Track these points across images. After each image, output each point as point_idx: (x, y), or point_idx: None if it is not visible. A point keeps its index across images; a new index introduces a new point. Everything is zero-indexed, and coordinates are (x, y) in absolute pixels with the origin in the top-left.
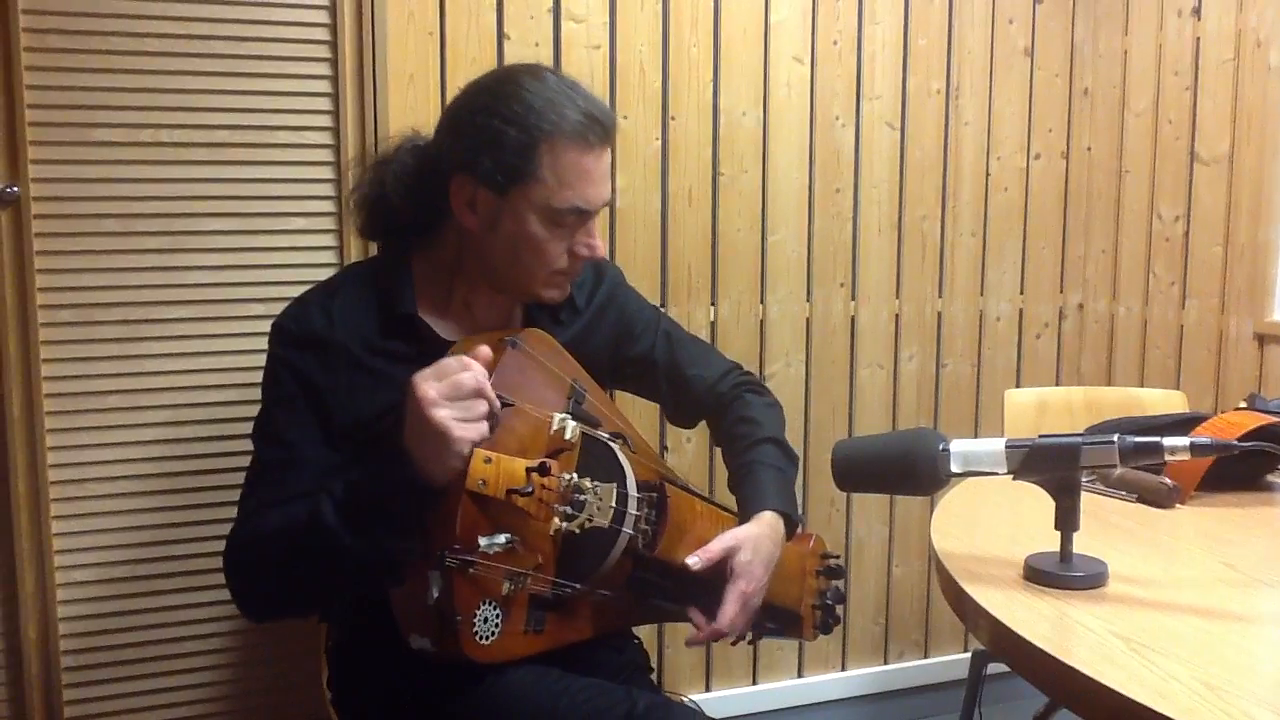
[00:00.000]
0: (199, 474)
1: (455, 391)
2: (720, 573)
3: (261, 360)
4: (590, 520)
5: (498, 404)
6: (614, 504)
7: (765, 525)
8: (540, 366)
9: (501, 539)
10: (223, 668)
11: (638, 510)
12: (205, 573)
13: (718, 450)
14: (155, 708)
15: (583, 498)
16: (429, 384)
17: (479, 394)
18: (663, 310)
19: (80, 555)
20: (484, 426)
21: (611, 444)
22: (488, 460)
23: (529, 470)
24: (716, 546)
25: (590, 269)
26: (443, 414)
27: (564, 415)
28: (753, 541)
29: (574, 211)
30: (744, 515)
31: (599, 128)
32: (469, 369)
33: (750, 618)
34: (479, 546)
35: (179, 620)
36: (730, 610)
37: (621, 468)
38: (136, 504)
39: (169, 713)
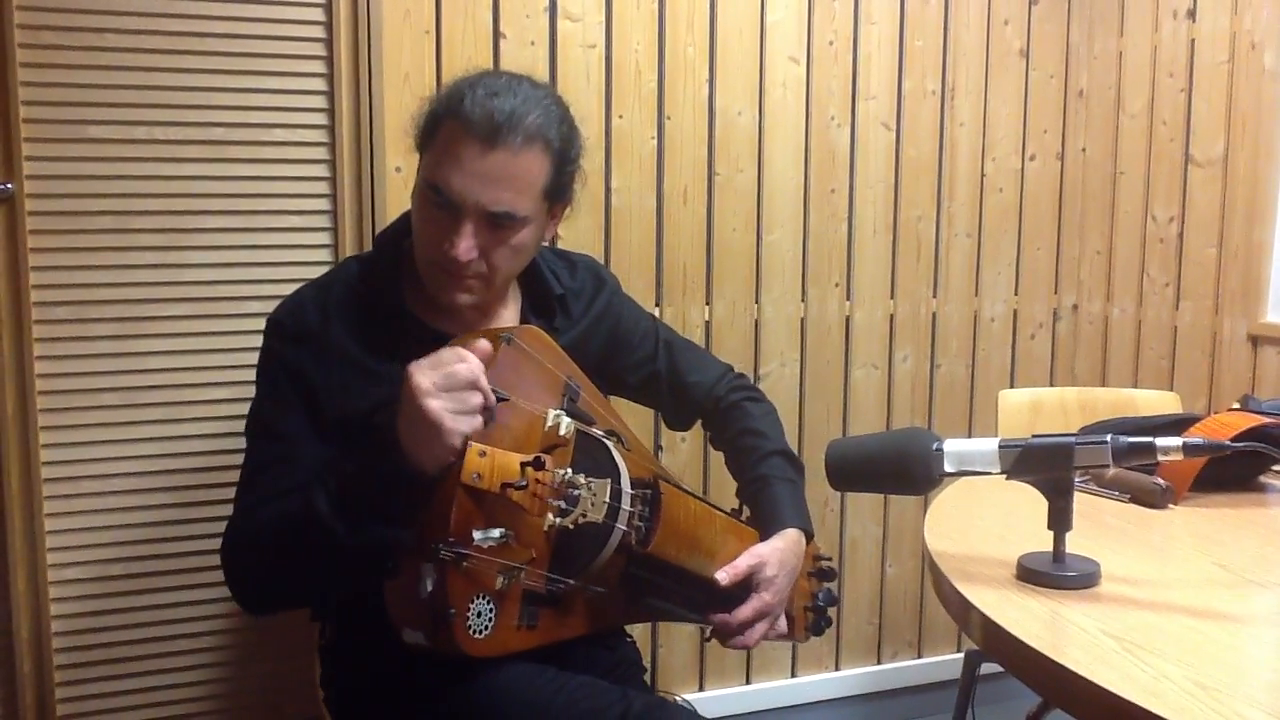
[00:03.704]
0: (194, 472)
1: (450, 382)
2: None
3: (257, 357)
4: (584, 516)
5: (493, 398)
6: (608, 499)
7: (790, 541)
8: (536, 364)
9: (496, 533)
10: (216, 666)
11: (631, 506)
12: (199, 571)
13: (713, 450)
14: (148, 705)
15: (577, 493)
16: (424, 373)
17: (473, 386)
18: (657, 316)
19: (73, 554)
20: (477, 419)
21: (606, 441)
22: (482, 454)
23: (524, 464)
24: (743, 563)
25: (590, 277)
26: (436, 404)
27: (559, 411)
28: (778, 556)
29: (431, 187)
30: (765, 530)
31: (488, 125)
32: (465, 360)
33: (768, 627)
34: (473, 540)
35: (172, 619)
36: (747, 612)
37: (616, 464)
38: (130, 502)
39: (161, 711)
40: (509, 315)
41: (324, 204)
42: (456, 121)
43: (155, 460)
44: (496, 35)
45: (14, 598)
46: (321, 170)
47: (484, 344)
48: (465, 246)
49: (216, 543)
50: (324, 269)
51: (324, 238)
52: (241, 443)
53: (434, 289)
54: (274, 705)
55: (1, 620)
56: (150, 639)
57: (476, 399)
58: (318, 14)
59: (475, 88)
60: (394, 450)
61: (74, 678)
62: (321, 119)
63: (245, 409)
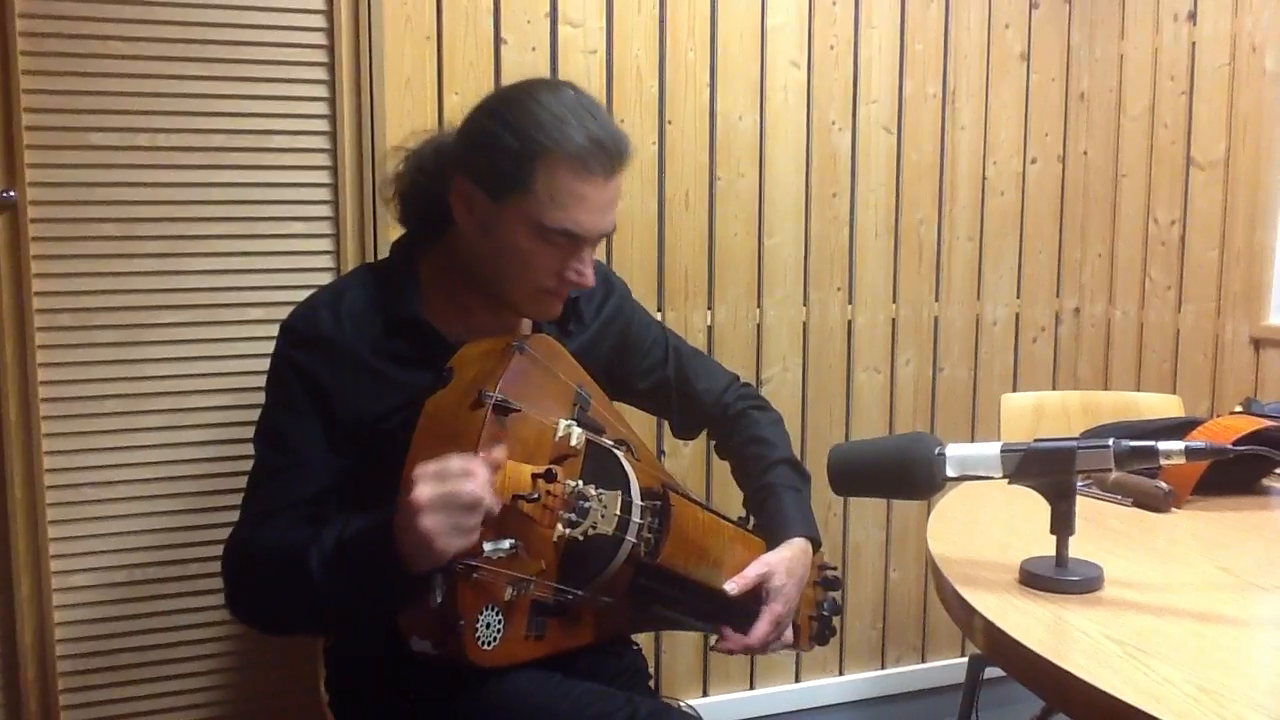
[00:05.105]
0: (196, 478)
1: (451, 500)
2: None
3: (260, 364)
4: (594, 527)
5: (496, 509)
6: (618, 512)
7: (797, 549)
8: (546, 372)
9: (506, 544)
10: (219, 673)
11: (641, 518)
12: (202, 578)
13: (715, 456)
14: (151, 713)
15: (587, 505)
16: (425, 484)
17: (474, 508)
18: (663, 323)
19: (77, 560)
20: (471, 539)
21: (616, 450)
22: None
23: (535, 476)
24: (752, 573)
25: (600, 281)
26: (429, 523)
27: (569, 421)
28: (786, 565)
29: (564, 234)
30: (773, 539)
31: (604, 155)
32: (472, 478)
33: (780, 636)
34: (483, 551)
35: (176, 625)
36: (764, 629)
37: (626, 475)
38: (134, 509)
39: (165, 717)
40: (518, 319)
41: (326, 210)
42: (572, 159)
43: (158, 467)
44: (498, 41)
45: (18, 604)
46: (323, 176)
47: (500, 452)
48: (592, 272)
49: (220, 549)
50: (326, 275)
51: (326, 244)
52: (245, 449)
53: (539, 311)
54: (278, 710)
55: (5, 627)
56: (154, 645)
57: (474, 520)
58: (319, 20)
59: (568, 119)
60: (388, 540)
61: (78, 684)
62: (323, 125)
63: (249, 416)
